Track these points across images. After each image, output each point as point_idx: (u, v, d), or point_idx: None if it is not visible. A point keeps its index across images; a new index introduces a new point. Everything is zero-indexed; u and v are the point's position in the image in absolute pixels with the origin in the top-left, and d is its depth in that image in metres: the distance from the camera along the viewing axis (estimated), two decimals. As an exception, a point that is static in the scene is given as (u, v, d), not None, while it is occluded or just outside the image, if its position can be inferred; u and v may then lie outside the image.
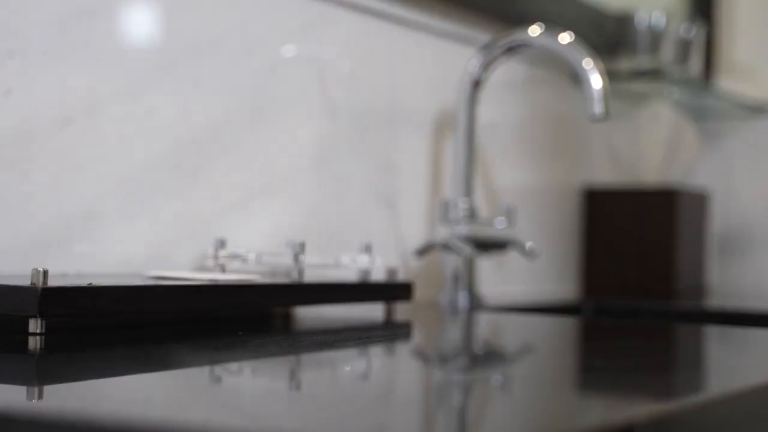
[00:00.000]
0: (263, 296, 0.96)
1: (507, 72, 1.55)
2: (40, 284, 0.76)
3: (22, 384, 0.65)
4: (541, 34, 1.33)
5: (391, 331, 1.03)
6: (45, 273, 0.76)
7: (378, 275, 1.13)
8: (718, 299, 1.68)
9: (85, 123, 1.01)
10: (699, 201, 1.80)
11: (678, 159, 1.82)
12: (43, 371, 0.69)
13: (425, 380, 0.73)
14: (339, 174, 1.28)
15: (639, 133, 1.82)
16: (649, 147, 1.81)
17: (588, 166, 1.80)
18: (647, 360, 0.84)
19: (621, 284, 1.70)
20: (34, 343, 0.75)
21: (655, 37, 1.76)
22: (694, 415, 0.60)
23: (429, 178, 1.43)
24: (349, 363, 0.80)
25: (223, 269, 1.01)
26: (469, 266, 1.36)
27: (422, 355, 0.90)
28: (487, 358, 0.81)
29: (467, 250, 1.32)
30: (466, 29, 1.49)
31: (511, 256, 1.51)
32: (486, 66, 1.37)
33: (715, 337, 1.07)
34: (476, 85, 1.37)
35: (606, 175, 1.83)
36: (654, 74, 1.74)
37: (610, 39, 1.77)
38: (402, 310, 1.12)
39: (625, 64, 1.76)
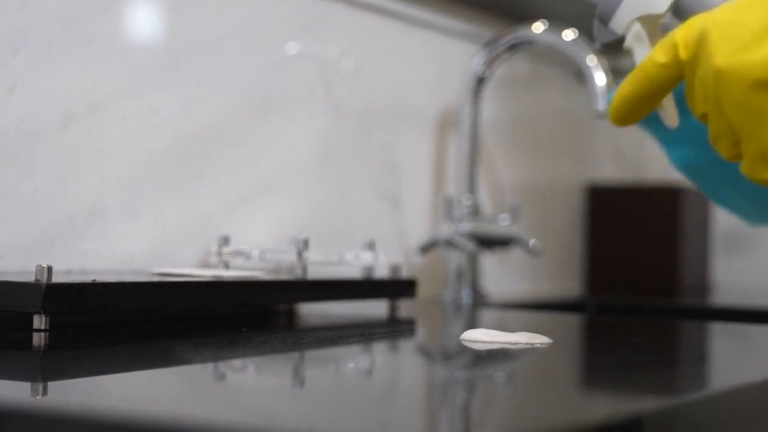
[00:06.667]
0: (267, 293, 0.96)
1: (510, 69, 1.55)
2: (44, 281, 0.76)
3: (26, 380, 0.65)
4: (544, 30, 1.33)
5: (395, 328, 1.03)
6: (49, 269, 0.76)
7: (381, 272, 1.13)
8: (722, 296, 1.68)
9: (89, 120, 1.01)
10: (703, 198, 1.80)
11: (682, 156, 1.82)
12: (47, 368, 0.69)
13: (429, 377, 0.73)
14: (342, 171, 1.28)
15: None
16: (654, 144, 1.81)
17: (592, 164, 1.80)
18: (651, 357, 0.84)
19: (625, 281, 1.70)
20: (38, 339, 0.75)
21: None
22: (699, 411, 0.60)
23: (432, 175, 1.42)
24: (352, 360, 0.80)
25: (226, 266, 1.01)
26: (473, 263, 1.36)
27: (426, 352, 0.90)
28: (491, 355, 0.81)
29: (471, 246, 1.32)
30: (470, 26, 1.49)
31: (515, 253, 1.51)
32: (489, 63, 1.37)
33: (718, 334, 1.07)
34: (480, 82, 1.37)
35: (610, 172, 1.83)
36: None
37: (613, 36, 1.76)
38: (405, 307, 1.12)
39: (629, 61, 1.76)
